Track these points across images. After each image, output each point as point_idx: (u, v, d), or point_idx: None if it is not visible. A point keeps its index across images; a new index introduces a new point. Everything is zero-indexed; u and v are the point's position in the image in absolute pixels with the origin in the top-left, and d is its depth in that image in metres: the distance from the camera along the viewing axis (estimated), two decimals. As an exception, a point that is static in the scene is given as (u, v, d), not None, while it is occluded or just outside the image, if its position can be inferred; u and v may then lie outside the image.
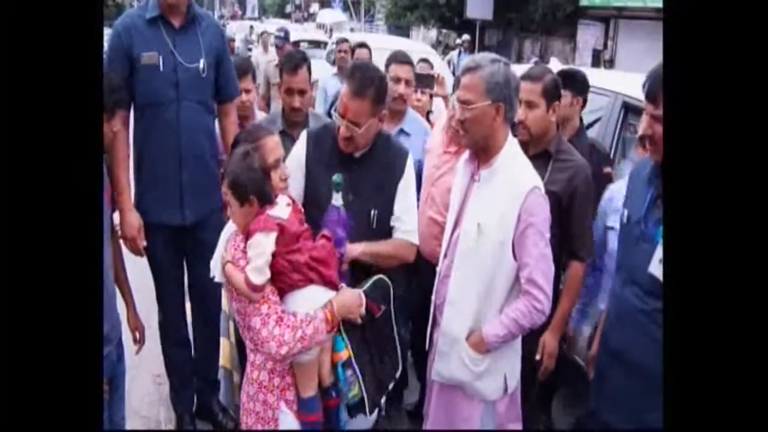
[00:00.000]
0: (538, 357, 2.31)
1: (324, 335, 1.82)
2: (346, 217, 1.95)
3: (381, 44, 6.93)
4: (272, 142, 1.94)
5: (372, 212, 2.14)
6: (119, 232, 2.47)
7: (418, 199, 2.48)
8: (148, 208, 2.63)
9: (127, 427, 2.62)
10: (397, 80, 3.06)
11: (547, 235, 1.95)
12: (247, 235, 1.77)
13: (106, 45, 2.35)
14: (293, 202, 1.92)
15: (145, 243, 2.58)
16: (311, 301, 1.83)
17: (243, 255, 1.77)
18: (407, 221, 2.19)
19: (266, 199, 1.81)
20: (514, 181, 1.94)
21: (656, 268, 1.69)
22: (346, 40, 6.15)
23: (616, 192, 2.54)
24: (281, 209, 1.82)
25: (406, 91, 3.07)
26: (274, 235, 1.76)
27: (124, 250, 2.53)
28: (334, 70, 5.80)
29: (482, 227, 1.94)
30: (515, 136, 2.44)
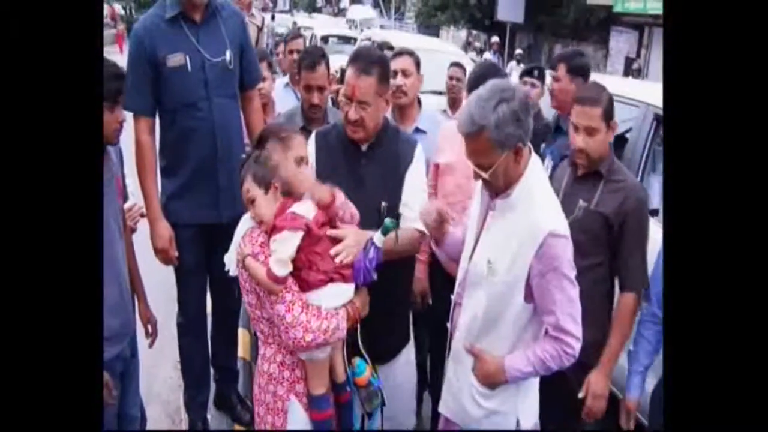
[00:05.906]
0: (581, 395, 2.13)
1: (344, 333, 1.86)
2: (379, 257, 1.90)
3: (410, 44, 6.83)
4: (298, 140, 1.97)
5: (382, 205, 2.09)
6: (131, 225, 2.43)
7: None
8: (182, 210, 2.59)
9: (148, 410, 2.69)
10: (394, 74, 2.88)
11: (573, 274, 1.79)
12: (272, 229, 1.80)
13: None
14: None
15: (176, 253, 2.53)
16: (333, 297, 1.86)
17: (261, 249, 1.80)
18: (415, 208, 2.07)
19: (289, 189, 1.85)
20: (531, 221, 1.76)
21: None
22: (299, 36, 4.60)
23: None
24: (307, 207, 1.84)
25: (403, 81, 2.95)
26: (301, 234, 1.79)
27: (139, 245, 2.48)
28: (286, 79, 4.10)
29: (492, 265, 1.81)
30: (571, 162, 2.32)
